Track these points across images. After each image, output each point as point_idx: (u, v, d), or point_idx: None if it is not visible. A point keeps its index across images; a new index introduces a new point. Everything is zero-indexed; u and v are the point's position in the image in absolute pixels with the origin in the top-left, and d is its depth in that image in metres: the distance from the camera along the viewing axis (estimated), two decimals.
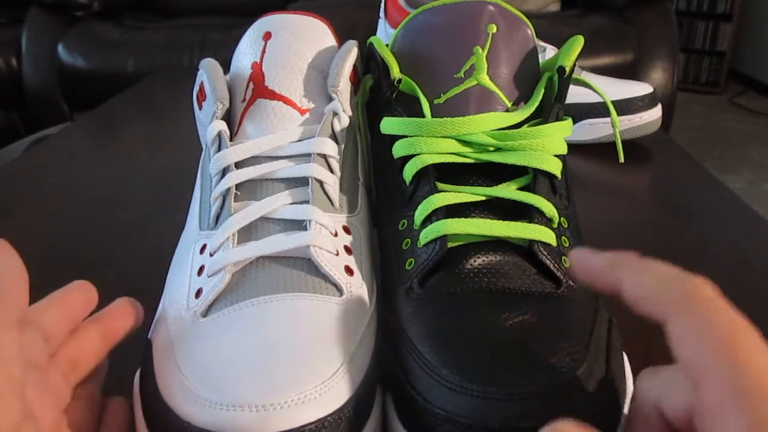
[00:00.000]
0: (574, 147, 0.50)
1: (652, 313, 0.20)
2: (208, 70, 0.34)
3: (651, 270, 0.21)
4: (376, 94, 0.36)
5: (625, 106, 0.61)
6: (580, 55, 0.33)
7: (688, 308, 0.19)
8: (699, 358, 0.18)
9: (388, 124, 0.32)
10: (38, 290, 0.41)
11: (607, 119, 0.61)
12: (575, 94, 0.60)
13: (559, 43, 0.37)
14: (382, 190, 0.34)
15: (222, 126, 0.32)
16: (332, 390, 0.23)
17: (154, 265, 0.34)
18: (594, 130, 0.62)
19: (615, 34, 1.54)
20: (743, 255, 0.44)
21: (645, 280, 0.21)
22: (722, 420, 0.17)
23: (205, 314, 0.26)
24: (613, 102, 0.59)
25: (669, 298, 0.19)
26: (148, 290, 0.32)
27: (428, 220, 0.29)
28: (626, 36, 1.54)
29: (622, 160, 0.37)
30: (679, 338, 0.19)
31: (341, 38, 0.37)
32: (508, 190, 0.29)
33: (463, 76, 0.32)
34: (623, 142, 0.58)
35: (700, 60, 2.94)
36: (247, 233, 0.29)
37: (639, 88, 0.62)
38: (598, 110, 0.61)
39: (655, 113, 0.62)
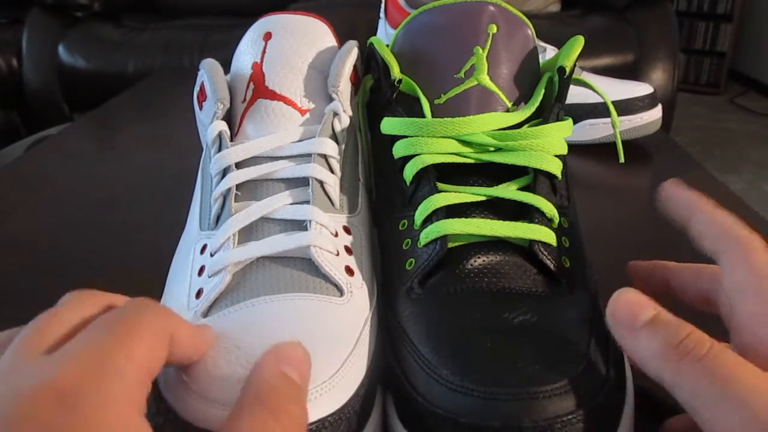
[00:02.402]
0: (574, 147, 0.50)
1: (710, 248, 0.25)
2: (208, 71, 0.34)
3: (716, 215, 0.26)
4: (377, 95, 0.36)
5: (626, 107, 0.61)
6: (581, 56, 0.33)
7: (739, 248, 0.24)
8: (745, 284, 0.23)
9: (389, 125, 0.32)
10: (38, 290, 0.41)
11: (608, 119, 0.61)
12: (575, 95, 0.60)
13: (559, 43, 0.37)
14: (383, 190, 0.34)
15: (222, 126, 0.32)
16: (333, 390, 0.23)
17: (154, 266, 0.34)
18: (594, 130, 0.62)
19: (615, 34, 1.54)
20: None
21: (711, 223, 0.26)
22: (762, 328, 0.22)
23: (205, 314, 0.26)
24: (613, 102, 0.59)
25: (725, 240, 0.25)
26: (148, 291, 0.31)
27: (428, 220, 0.29)
28: (626, 36, 1.54)
29: (622, 160, 0.37)
30: (728, 270, 0.24)
31: (342, 39, 0.37)
32: (508, 191, 0.29)
33: (463, 77, 0.32)
34: (623, 142, 0.58)
35: (701, 60, 2.94)
36: (247, 233, 0.29)
37: (639, 89, 0.62)
38: (599, 110, 0.61)
39: (656, 113, 0.62)
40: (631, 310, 0.22)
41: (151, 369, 0.20)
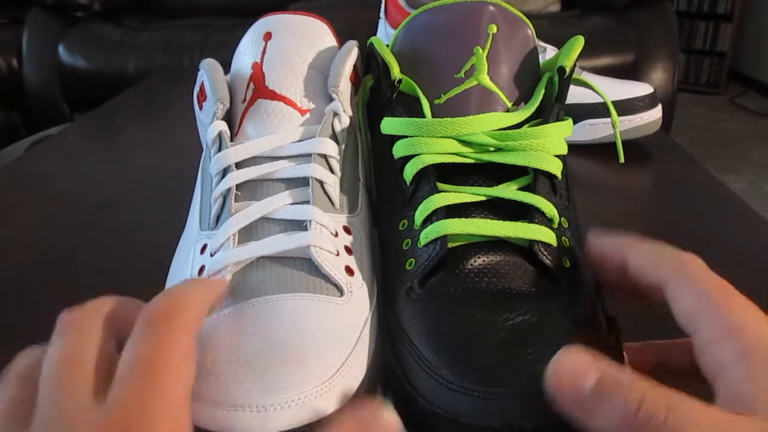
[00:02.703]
0: (574, 147, 0.50)
1: (654, 280, 0.24)
2: (208, 71, 0.34)
3: (650, 247, 0.25)
4: (377, 95, 0.36)
5: (626, 107, 0.61)
6: (581, 56, 0.33)
7: (682, 273, 0.23)
8: (695, 310, 0.22)
9: (388, 125, 0.32)
10: (38, 290, 0.41)
11: (608, 119, 0.61)
12: (575, 95, 0.60)
13: (559, 43, 0.37)
14: (383, 190, 0.34)
15: (222, 126, 0.32)
16: (333, 390, 0.23)
17: (154, 265, 0.34)
18: (594, 130, 0.62)
19: (615, 34, 1.54)
20: (743, 255, 0.44)
21: (646, 255, 0.25)
22: (720, 351, 0.21)
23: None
24: (613, 102, 0.59)
25: (666, 267, 0.24)
26: (148, 291, 0.31)
27: (428, 220, 0.29)
28: (626, 36, 1.54)
29: (622, 160, 0.37)
30: (676, 297, 0.23)
31: (342, 39, 0.37)
32: (508, 191, 0.29)
33: (463, 77, 0.32)
34: (623, 142, 0.58)
35: (701, 60, 2.94)
36: (247, 233, 0.29)
37: (639, 89, 0.62)
38: (599, 110, 0.61)
39: (656, 113, 0.62)
40: (573, 379, 0.20)
41: (188, 385, 0.21)
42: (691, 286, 0.23)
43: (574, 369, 0.20)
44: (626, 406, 0.19)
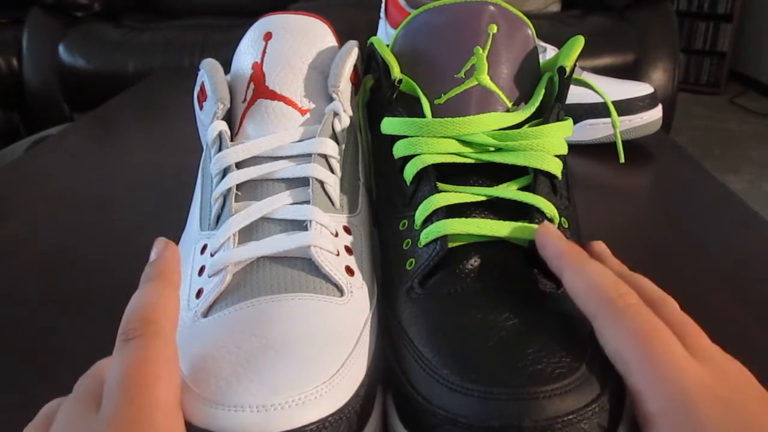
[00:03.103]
0: (574, 147, 0.50)
1: (582, 309, 0.24)
2: (209, 71, 0.34)
3: (585, 273, 0.24)
4: (377, 95, 0.36)
5: (626, 107, 0.61)
6: (581, 56, 0.33)
7: (611, 312, 0.23)
8: (621, 354, 0.22)
9: (389, 125, 0.32)
10: (38, 290, 0.41)
11: (608, 119, 0.61)
12: (575, 95, 0.60)
13: (559, 43, 0.37)
14: (383, 190, 0.34)
15: (223, 126, 0.32)
16: (333, 390, 0.23)
17: None
18: (594, 130, 0.62)
19: (615, 34, 1.54)
20: (743, 255, 0.44)
21: (578, 282, 0.24)
22: (644, 403, 0.21)
23: (205, 314, 0.26)
24: (613, 102, 0.59)
25: (595, 302, 0.23)
26: None
27: (429, 220, 0.29)
28: (627, 36, 1.54)
29: (622, 160, 0.37)
30: (603, 335, 0.23)
31: (342, 39, 0.37)
32: (508, 191, 0.29)
33: (463, 77, 0.32)
34: (624, 142, 0.58)
35: (701, 60, 2.94)
36: (247, 233, 0.29)
37: (639, 89, 0.62)
38: (599, 110, 0.61)
39: (656, 113, 0.62)
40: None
41: (176, 392, 0.21)
42: (618, 326, 0.22)
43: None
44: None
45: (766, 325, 0.36)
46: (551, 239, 0.26)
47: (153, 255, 0.25)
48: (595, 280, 0.24)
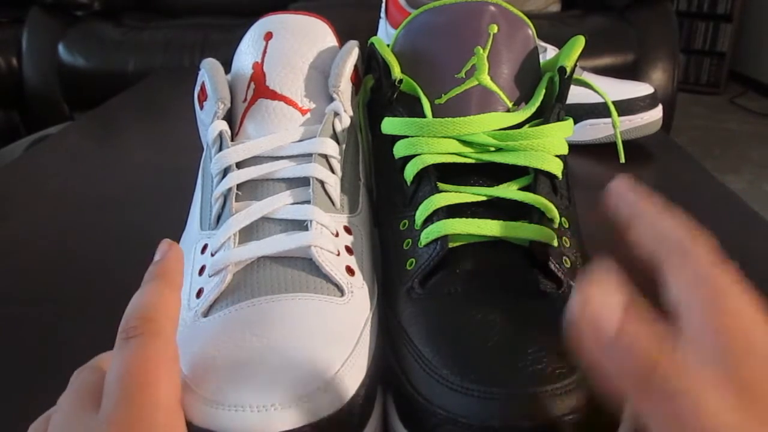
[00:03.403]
0: (574, 147, 0.50)
1: (648, 254, 0.22)
2: (209, 70, 0.34)
3: (658, 222, 0.23)
4: (377, 94, 0.36)
5: (626, 107, 0.61)
6: (581, 56, 0.33)
7: (677, 258, 0.22)
8: (685, 299, 0.20)
9: (389, 125, 0.32)
10: (38, 290, 0.41)
11: (608, 120, 0.61)
12: (576, 95, 0.60)
13: (559, 43, 0.37)
14: (383, 190, 0.34)
15: (223, 126, 0.32)
16: (333, 390, 0.23)
17: None
18: (594, 130, 0.62)
19: (615, 34, 1.54)
20: (743, 255, 0.44)
21: (650, 230, 0.23)
22: (702, 347, 0.19)
23: (206, 314, 0.26)
24: (613, 102, 0.59)
25: (665, 249, 0.22)
26: None
27: (429, 220, 0.29)
28: (627, 36, 1.54)
29: (622, 160, 0.37)
30: (669, 286, 0.21)
31: (342, 39, 0.36)
32: (509, 191, 0.29)
33: (464, 77, 0.32)
34: (624, 142, 0.58)
35: (701, 61, 2.94)
36: (248, 233, 0.29)
37: (639, 89, 0.62)
38: (599, 110, 0.61)
39: (656, 114, 0.62)
40: (595, 324, 0.20)
41: (177, 393, 0.21)
42: (685, 270, 0.21)
43: (595, 316, 0.20)
44: (644, 358, 0.19)
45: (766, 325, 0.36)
46: (623, 189, 0.26)
47: (157, 256, 0.25)
48: (667, 228, 0.23)
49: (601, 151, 0.60)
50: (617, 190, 0.26)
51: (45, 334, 0.37)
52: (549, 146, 0.30)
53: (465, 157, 0.30)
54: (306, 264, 0.28)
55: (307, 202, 0.29)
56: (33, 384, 0.32)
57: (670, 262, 0.22)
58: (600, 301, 0.20)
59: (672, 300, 0.21)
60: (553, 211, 0.29)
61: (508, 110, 0.32)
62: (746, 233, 0.47)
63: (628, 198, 0.25)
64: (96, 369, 0.24)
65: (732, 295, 0.20)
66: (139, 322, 0.22)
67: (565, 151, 0.31)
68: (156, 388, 0.20)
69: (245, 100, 0.33)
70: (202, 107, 0.35)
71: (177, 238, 0.33)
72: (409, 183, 0.31)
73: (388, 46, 0.35)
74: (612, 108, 0.35)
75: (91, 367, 0.24)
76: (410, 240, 0.29)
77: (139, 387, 0.20)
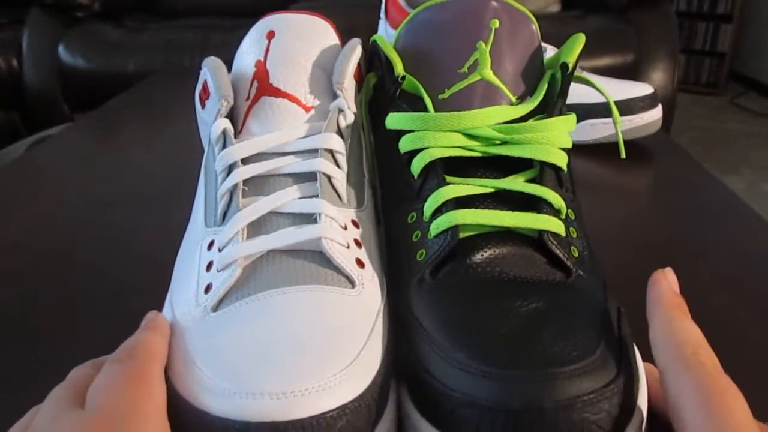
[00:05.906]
0: (574, 147, 0.50)
1: (656, 361, 0.23)
2: (212, 68, 0.34)
3: (672, 325, 0.24)
4: (380, 92, 0.36)
5: (626, 107, 0.61)
6: (581, 56, 0.33)
7: (678, 366, 0.22)
8: (679, 407, 0.21)
9: (394, 119, 0.32)
10: (38, 290, 0.41)
11: (608, 119, 0.61)
12: (576, 95, 0.60)
13: (559, 43, 0.37)
14: (388, 185, 0.34)
15: (227, 123, 0.32)
16: (352, 377, 0.22)
17: (155, 265, 0.34)
18: (595, 130, 0.62)
19: (615, 34, 1.54)
20: (743, 255, 0.44)
21: (662, 333, 0.24)
22: None
23: (215, 309, 0.26)
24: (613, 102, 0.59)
25: (671, 355, 0.23)
26: (150, 290, 0.31)
27: (438, 211, 0.29)
28: (626, 37, 1.54)
29: (623, 155, 0.37)
30: (667, 388, 0.22)
31: (343, 39, 0.37)
32: (516, 182, 0.29)
33: (467, 72, 0.32)
34: (624, 142, 0.58)
35: (701, 61, 2.94)
36: (256, 228, 0.28)
37: (639, 89, 0.62)
38: (599, 111, 0.61)
39: (656, 114, 0.62)
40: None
41: (164, 402, 0.23)
42: (684, 378, 0.21)
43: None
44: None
45: (766, 325, 0.36)
46: (660, 284, 0.26)
47: (143, 321, 0.27)
48: (678, 334, 0.23)
49: (601, 151, 0.60)
50: (653, 281, 0.26)
51: (44, 334, 0.37)
52: (554, 139, 0.30)
53: (471, 150, 0.30)
54: (316, 256, 0.28)
55: (315, 196, 0.29)
56: (30, 384, 0.32)
57: (671, 369, 0.22)
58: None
59: (670, 406, 0.22)
60: (560, 202, 0.29)
61: (512, 105, 0.32)
62: (746, 233, 0.47)
63: (650, 295, 0.26)
64: (95, 365, 0.24)
65: (727, 401, 0.20)
66: (130, 352, 0.24)
67: (569, 144, 0.31)
68: (152, 384, 0.22)
69: (248, 98, 0.33)
70: (203, 106, 0.35)
71: (177, 238, 0.33)
72: (416, 177, 0.31)
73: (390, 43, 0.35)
74: (612, 104, 0.35)
75: (89, 365, 0.24)
76: (419, 232, 0.29)
77: (137, 380, 0.22)
